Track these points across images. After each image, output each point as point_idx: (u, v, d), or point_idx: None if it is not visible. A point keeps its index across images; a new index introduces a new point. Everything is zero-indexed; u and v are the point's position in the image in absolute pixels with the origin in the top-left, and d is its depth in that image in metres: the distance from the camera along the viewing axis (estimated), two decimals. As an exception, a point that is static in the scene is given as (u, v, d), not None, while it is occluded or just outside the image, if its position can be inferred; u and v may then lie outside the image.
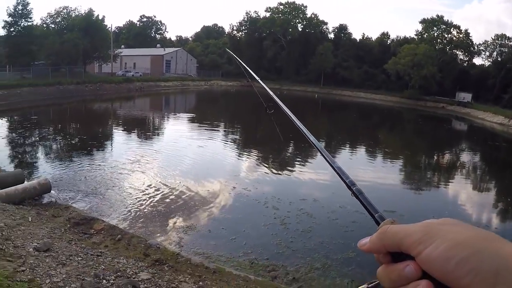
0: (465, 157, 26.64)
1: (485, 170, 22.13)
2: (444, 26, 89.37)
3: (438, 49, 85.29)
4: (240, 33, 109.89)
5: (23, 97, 37.89)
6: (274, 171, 15.32)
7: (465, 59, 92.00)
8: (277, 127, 2.87)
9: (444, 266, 0.54)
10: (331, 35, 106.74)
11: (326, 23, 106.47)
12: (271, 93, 2.10)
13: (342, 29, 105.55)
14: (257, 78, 2.77)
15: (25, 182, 9.62)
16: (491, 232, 0.56)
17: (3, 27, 50.67)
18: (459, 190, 16.09)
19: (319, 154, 1.36)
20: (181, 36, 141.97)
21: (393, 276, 0.61)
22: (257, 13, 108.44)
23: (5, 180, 9.42)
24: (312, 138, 1.35)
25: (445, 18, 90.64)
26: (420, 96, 77.56)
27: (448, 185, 17.45)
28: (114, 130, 26.15)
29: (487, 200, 15.34)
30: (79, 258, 5.63)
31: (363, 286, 0.90)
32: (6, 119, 28.47)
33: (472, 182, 18.37)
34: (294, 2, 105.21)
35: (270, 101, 2.19)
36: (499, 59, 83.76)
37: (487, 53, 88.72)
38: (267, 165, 16.13)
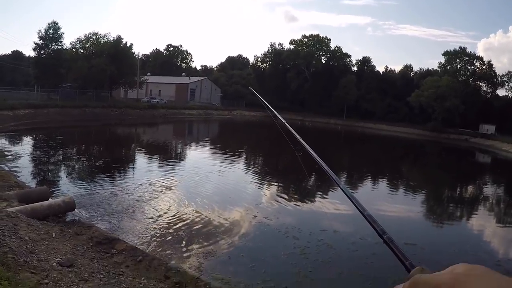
0: (489, 190, 26.13)
1: (509, 203, 21.58)
2: (467, 58, 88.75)
3: (461, 81, 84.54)
4: (265, 64, 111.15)
5: (50, 117, 38.91)
6: (296, 201, 15.20)
7: (489, 90, 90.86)
8: (304, 168, 2.96)
9: None
10: (355, 68, 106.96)
11: (349, 56, 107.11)
12: (300, 139, 2.20)
13: (365, 62, 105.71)
14: (284, 122, 2.90)
15: (50, 199, 9.78)
16: None
17: (34, 49, 52.55)
18: (482, 224, 15.66)
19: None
20: (206, 65, 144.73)
21: None
22: (281, 45, 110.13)
23: (30, 195, 9.62)
24: (342, 185, 1.41)
25: (468, 50, 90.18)
26: (443, 129, 76.62)
27: (471, 218, 17.08)
28: (137, 154, 26.52)
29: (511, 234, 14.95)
30: (101, 276, 5.68)
31: None
32: (32, 137, 29.22)
33: (496, 215, 17.95)
34: (318, 35, 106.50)
35: (298, 144, 2.30)
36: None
37: (511, 84, 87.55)
38: (288, 196, 16.02)
